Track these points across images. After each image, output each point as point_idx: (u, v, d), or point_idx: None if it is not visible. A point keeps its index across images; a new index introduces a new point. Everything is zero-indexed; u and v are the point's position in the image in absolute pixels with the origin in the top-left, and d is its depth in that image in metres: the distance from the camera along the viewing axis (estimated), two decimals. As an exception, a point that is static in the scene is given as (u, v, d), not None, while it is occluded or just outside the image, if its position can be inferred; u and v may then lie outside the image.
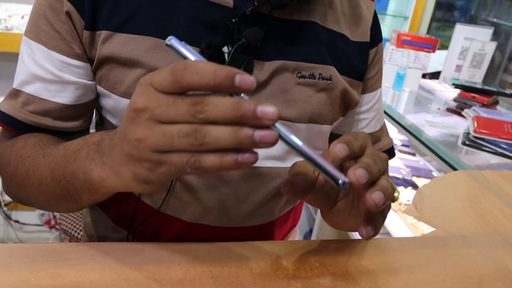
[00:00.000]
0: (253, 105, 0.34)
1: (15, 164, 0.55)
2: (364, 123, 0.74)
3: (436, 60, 2.10)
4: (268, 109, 0.34)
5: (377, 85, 0.73)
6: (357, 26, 0.67)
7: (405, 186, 1.77)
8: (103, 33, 0.54)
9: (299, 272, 0.49)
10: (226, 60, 0.55)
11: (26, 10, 1.78)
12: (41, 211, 2.13)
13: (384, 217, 0.52)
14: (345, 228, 0.55)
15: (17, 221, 2.12)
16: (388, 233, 1.53)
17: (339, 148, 0.42)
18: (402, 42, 1.79)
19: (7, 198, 2.10)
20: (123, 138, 0.38)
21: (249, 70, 0.57)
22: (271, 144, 0.35)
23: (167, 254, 0.49)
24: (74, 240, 1.72)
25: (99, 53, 0.55)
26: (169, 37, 0.38)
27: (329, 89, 0.62)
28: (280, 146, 0.61)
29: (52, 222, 2.14)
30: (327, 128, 0.65)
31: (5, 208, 2.09)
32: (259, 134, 0.35)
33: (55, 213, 2.08)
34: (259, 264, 0.50)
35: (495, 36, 2.11)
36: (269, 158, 0.62)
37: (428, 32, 2.58)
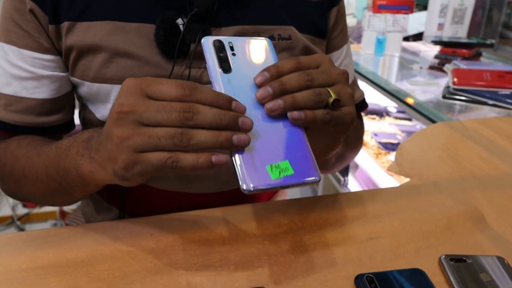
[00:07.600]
0: (236, 116, 0.40)
1: (11, 164, 0.59)
2: None
3: (418, 21, 2.09)
4: (246, 120, 0.41)
5: (343, 41, 0.74)
6: None
7: (401, 150, 1.77)
8: (65, 24, 0.57)
9: (267, 230, 0.52)
10: (182, 31, 0.57)
11: None
12: (53, 221, 2.18)
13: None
14: None
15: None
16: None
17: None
18: (378, 7, 1.79)
19: (19, 212, 2.15)
20: (107, 137, 0.42)
21: None
22: (245, 144, 0.41)
23: (140, 227, 0.51)
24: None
25: (65, 43, 0.58)
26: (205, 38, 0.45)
27: (289, 49, 0.64)
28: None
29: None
30: None
31: (18, 222, 2.14)
32: (236, 138, 0.40)
33: (66, 221, 2.12)
34: (229, 227, 0.52)
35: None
36: None
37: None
